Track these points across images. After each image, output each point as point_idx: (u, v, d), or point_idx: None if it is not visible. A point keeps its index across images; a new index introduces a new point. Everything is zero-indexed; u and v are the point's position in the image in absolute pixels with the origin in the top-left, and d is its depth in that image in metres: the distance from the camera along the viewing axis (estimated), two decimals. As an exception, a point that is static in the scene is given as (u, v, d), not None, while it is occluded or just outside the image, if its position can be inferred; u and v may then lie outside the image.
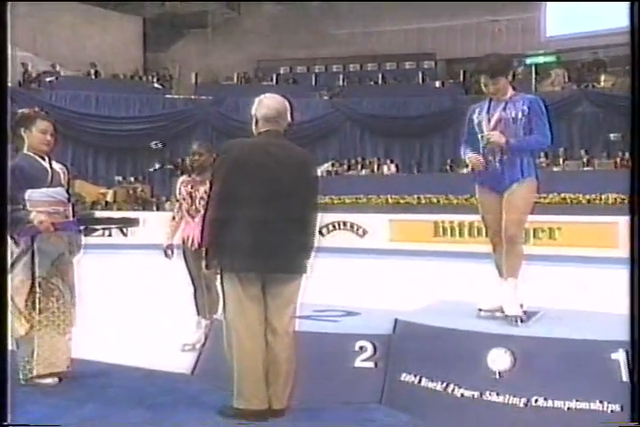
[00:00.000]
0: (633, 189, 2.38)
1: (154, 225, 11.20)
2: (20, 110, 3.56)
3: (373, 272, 9.78)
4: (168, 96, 18.94)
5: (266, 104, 2.91)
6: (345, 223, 12.68)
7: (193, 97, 18.93)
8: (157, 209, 15.71)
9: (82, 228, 3.62)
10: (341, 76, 19.77)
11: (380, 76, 19.61)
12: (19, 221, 3.27)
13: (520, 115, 3.16)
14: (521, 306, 3.19)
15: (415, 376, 3.00)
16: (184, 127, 18.32)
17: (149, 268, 10.01)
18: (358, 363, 3.17)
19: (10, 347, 3.33)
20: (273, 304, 2.87)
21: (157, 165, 17.32)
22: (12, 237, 3.32)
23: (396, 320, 3.26)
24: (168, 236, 4.32)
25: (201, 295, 4.26)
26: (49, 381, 3.32)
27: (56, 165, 3.53)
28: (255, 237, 2.75)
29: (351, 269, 8.62)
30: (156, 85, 19.37)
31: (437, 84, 18.80)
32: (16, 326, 3.30)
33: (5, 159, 2.58)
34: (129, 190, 16.53)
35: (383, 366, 3.16)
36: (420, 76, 19.34)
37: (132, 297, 6.62)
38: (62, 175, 3.53)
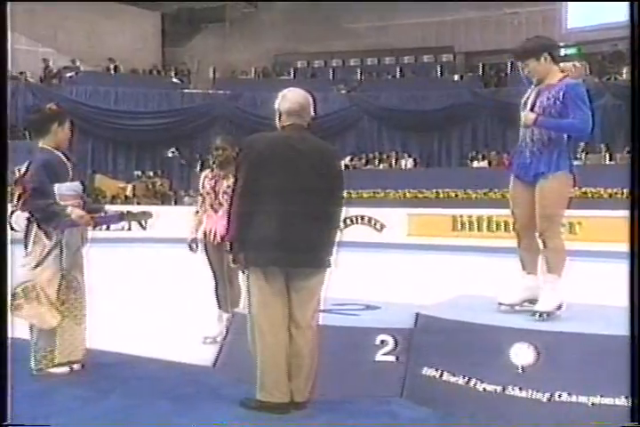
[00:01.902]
0: (633, 184, 2.43)
1: (172, 219, 11.39)
2: (48, 105, 3.58)
3: (391, 267, 9.76)
4: (186, 91, 19.03)
5: (289, 98, 2.91)
6: (363, 218, 12.67)
7: (211, 92, 19.01)
8: (176, 203, 15.83)
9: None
10: (359, 70, 19.71)
11: (398, 69, 19.52)
12: (55, 215, 3.31)
13: (555, 101, 3.07)
14: (560, 306, 3.09)
15: (437, 370, 2.99)
16: (202, 122, 18.41)
17: (169, 261, 10.11)
18: (379, 357, 3.17)
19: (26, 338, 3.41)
20: (296, 298, 2.89)
21: (173, 151, 17.40)
22: (42, 230, 3.36)
23: (417, 314, 3.25)
24: (192, 230, 4.34)
25: (222, 289, 4.28)
26: (61, 370, 3.37)
27: (70, 160, 3.57)
28: (279, 231, 2.77)
29: (369, 264, 8.62)
30: (174, 80, 19.48)
31: (456, 77, 18.66)
32: (47, 318, 3.35)
33: (5, 158, 2.63)
34: (148, 185, 16.66)
35: (404, 360, 3.16)
36: (439, 69, 19.20)
37: (152, 290, 6.68)
38: (74, 170, 3.57)
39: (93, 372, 3.44)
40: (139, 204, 14.72)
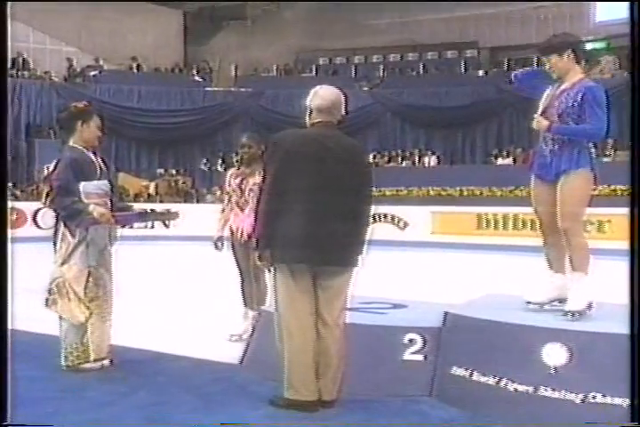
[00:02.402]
0: (633, 180, 2.43)
1: (195, 217, 11.50)
2: (74, 104, 3.62)
3: (415, 265, 9.73)
4: (208, 89, 19.16)
5: (321, 95, 2.91)
6: (386, 216, 12.64)
7: (232, 89, 19.10)
8: (198, 201, 15.94)
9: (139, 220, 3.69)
10: (381, 67, 19.65)
11: (421, 65, 19.41)
12: (78, 213, 3.36)
13: (573, 104, 3.06)
14: (590, 304, 3.07)
15: (466, 370, 2.97)
16: (224, 120, 18.53)
17: (193, 259, 10.21)
18: (407, 356, 3.16)
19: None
20: (323, 296, 2.89)
21: (205, 163, 17.51)
22: (67, 228, 3.42)
23: (445, 313, 3.23)
24: (218, 228, 4.37)
25: (248, 287, 4.30)
26: (92, 366, 3.42)
27: (99, 159, 3.61)
28: (307, 229, 2.77)
29: (393, 262, 8.59)
30: (196, 78, 19.61)
31: (480, 73, 18.49)
32: (76, 314, 3.41)
33: (5, 158, 2.67)
34: (170, 183, 16.81)
35: (433, 359, 3.14)
36: (463, 65, 19.04)
37: (177, 288, 6.75)
38: (105, 168, 3.61)
39: (122, 368, 3.49)
40: (161, 202, 14.86)
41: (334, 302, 2.91)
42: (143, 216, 3.64)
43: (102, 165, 3.58)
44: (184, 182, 16.94)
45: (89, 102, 3.77)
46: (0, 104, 2.71)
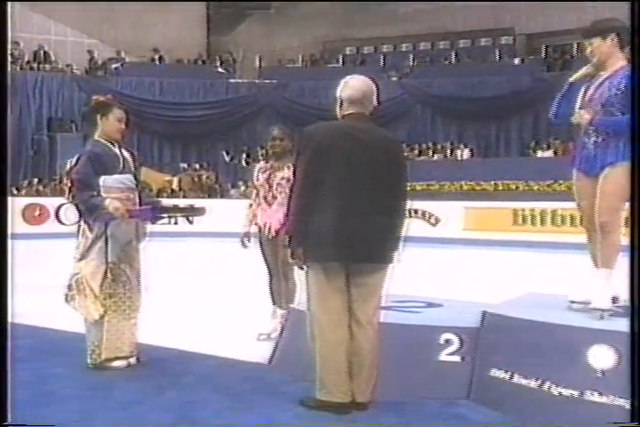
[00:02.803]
0: (633, 175, 2.41)
1: (219, 213, 11.57)
2: (95, 97, 3.68)
3: (447, 263, 9.67)
4: (232, 81, 19.27)
5: (351, 85, 2.89)
6: (416, 211, 12.56)
7: (257, 81, 19.18)
8: (222, 197, 16.06)
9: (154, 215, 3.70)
10: (411, 56, 19.50)
11: (453, 54, 19.21)
12: (94, 208, 3.41)
13: (616, 92, 3.00)
14: (615, 299, 3.04)
15: (506, 372, 2.94)
16: (248, 113, 18.61)
17: (218, 255, 10.30)
18: (444, 356, 3.13)
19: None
20: (357, 294, 2.88)
21: (226, 155, 17.61)
22: (86, 223, 3.48)
23: (483, 312, 3.20)
24: (245, 223, 4.38)
25: (277, 284, 4.32)
26: (117, 364, 3.46)
27: (125, 152, 3.65)
28: (340, 225, 2.76)
29: (424, 260, 8.54)
30: (219, 70, 19.72)
31: (516, 61, 18.21)
32: (91, 311, 3.47)
33: (5, 158, 2.71)
34: (194, 178, 16.96)
35: (470, 361, 3.11)
36: (497, 53, 18.77)
37: (202, 285, 6.81)
38: (131, 162, 3.65)
39: (149, 367, 3.53)
40: (185, 197, 15.01)
41: (368, 301, 2.89)
42: (159, 211, 3.59)
43: (128, 159, 3.61)
44: (208, 177, 17.06)
45: (112, 95, 3.81)
46: (0, 104, 2.76)
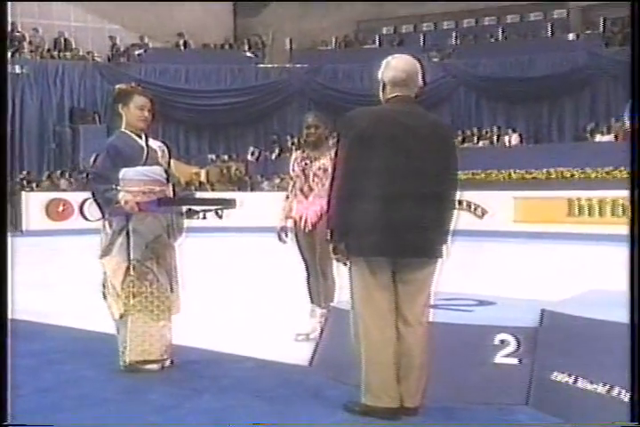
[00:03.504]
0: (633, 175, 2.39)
1: (250, 207, 11.64)
2: (117, 86, 3.71)
3: (496, 257, 9.56)
4: (261, 66, 19.33)
5: (394, 66, 2.86)
6: (460, 202, 12.41)
7: (287, 66, 19.20)
8: (252, 189, 16.15)
9: (184, 210, 3.72)
10: (453, 34, 19.26)
11: (500, 31, 18.88)
12: (109, 201, 3.45)
13: None
14: None
15: (569, 376, 2.88)
16: (278, 99, 18.67)
17: (250, 252, 10.38)
18: (499, 359, 3.09)
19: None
20: (404, 292, 2.85)
21: (255, 151, 17.68)
22: (105, 218, 3.52)
23: (542, 311, 3.14)
24: (281, 217, 4.38)
25: (315, 282, 4.31)
26: (150, 367, 3.49)
27: (154, 143, 3.66)
28: (386, 217, 2.73)
29: (471, 254, 8.45)
30: (247, 54, 19.81)
31: (571, 36, 17.78)
32: (113, 310, 3.51)
33: (5, 158, 2.75)
34: (222, 170, 17.07)
35: (529, 363, 3.06)
36: (549, 28, 18.35)
37: (236, 283, 6.86)
38: (160, 153, 3.65)
39: (184, 369, 3.57)
40: (213, 190, 15.14)
41: (417, 298, 2.87)
42: (166, 202, 3.54)
43: (156, 150, 3.62)
44: (237, 169, 17.14)
45: (137, 83, 3.83)
46: (0, 103, 2.82)
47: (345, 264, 2.89)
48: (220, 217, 13.28)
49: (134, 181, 3.49)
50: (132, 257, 3.47)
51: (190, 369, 3.58)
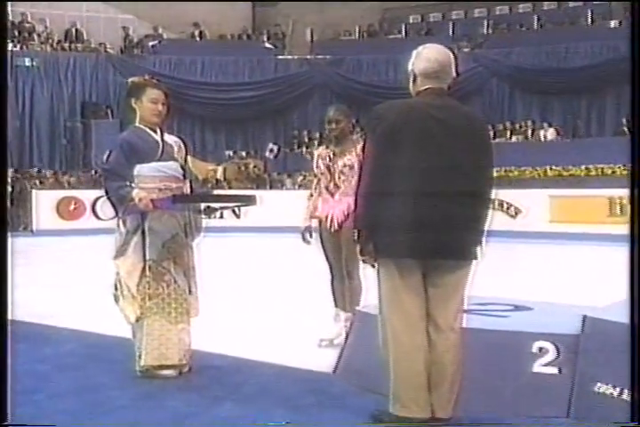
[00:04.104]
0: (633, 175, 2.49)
1: (269, 205, 11.68)
2: (130, 79, 3.74)
3: (532, 260, 9.47)
4: (280, 57, 19.38)
5: (425, 56, 2.84)
6: (492, 201, 12.36)
7: (309, 57, 19.22)
8: (271, 187, 16.21)
9: (202, 208, 3.73)
10: (485, 23, 19.14)
11: (535, 19, 18.69)
12: (122, 199, 3.47)
13: None
14: None
15: (614, 387, 2.84)
16: (299, 93, 18.70)
17: (270, 253, 10.42)
18: (537, 368, 3.07)
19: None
20: (436, 295, 2.83)
21: (274, 147, 17.68)
22: (120, 217, 3.53)
23: (584, 317, 3.11)
24: (305, 216, 4.39)
25: (340, 284, 4.31)
26: (166, 372, 3.50)
27: (169, 138, 3.68)
28: (417, 216, 2.71)
29: (504, 257, 8.39)
30: (266, 45, 19.87)
31: (612, 23, 17.52)
32: (128, 312, 3.53)
33: (5, 157, 2.77)
34: (240, 166, 17.12)
35: (569, 373, 3.03)
36: (589, 15, 18.13)
37: (256, 286, 6.89)
38: (176, 149, 3.67)
39: (203, 376, 3.59)
40: (230, 188, 15.21)
41: (449, 303, 2.85)
42: (180, 200, 3.55)
43: (171, 145, 3.64)
44: (255, 166, 17.17)
45: (151, 76, 3.85)
46: (0, 102, 2.86)
47: (373, 266, 2.88)
48: (238, 216, 13.35)
49: (149, 178, 3.52)
50: (147, 257, 3.49)
51: (209, 375, 3.60)
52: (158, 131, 3.64)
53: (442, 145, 2.76)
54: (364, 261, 2.93)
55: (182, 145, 3.74)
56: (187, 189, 3.64)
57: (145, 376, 3.51)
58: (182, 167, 3.67)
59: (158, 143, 3.59)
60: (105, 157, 3.58)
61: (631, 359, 2.38)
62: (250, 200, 3.82)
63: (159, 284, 3.50)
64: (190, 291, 3.63)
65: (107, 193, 3.59)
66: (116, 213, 3.57)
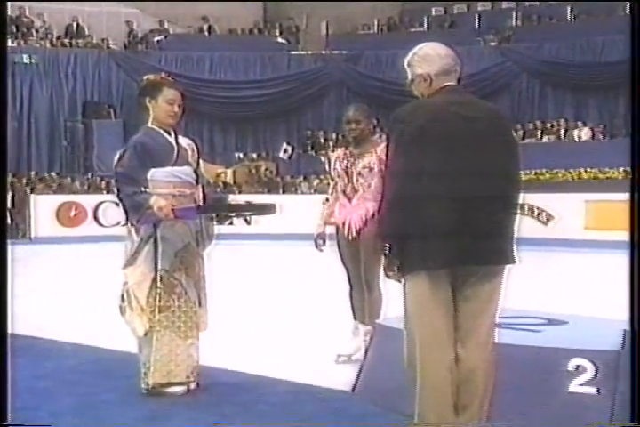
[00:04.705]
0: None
1: (282, 211, 11.65)
2: (145, 77, 3.75)
3: (566, 270, 9.42)
4: (294, 53, 19.45)
5: (435, 55, 2.85)
6: (522, 206, 12.28)
7: (324, 52, 19.27)
8: (284, 192, 16.23)
9: (213, 215, 3.74)
10: (513, 14, 19.06)
11: (568, 10, 18.61)
12: (138, 206, 3.47)
13: None
14: None
15: (658, 408, 2.81)
16: (313, 91, 18.76)
17: (283, 262, 10.43)
18: (574, 387, 3.05)
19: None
20: (467, 309, 2.82)
21: (287, 148, 17.73)
22: (132, 224, 3.55)
23: (624, 332, 3.08)
24: (319, 222, 4.40)
25: (359, 295, 4.30)
26: (174, 390, 3.51)
27: (183, 141, 3.69)
28: (451, 223, 2.71)
29: (535, 266, 8.34)
30: (279, 40, 19.95)
31: (651, 15, 17.44)
32: (136, 326, 3.53)
33: (5, 157, 2.80)
34: (251, 169, 17.17)
35: (609, 393, 3.01)
36: (628, 5, 18.03)
37: (269, 298, 6.90)
38: (190, 152, 3.69)
39: (213, 393, 3.60)
40: (240, 192, 15.25)
41: (481, 315, 2.83)
42: (206, 209, 3.58)
43: (186, 149, 3.65)
44: (267, 169, 17.20)
45: (167, 74, 3.87)
46: (0, 102, 2.92)
47: (399, 282, 2.85)
48: (249, 223, 13.36)
49: (164, 183, 3.53)
50: (159, 267, 3.50)
51: (219, 393, 3.61)
52: (172, 133, 3.65)
53: (470, 145, 2.75)
54: (387, 277, 2.90)
55: (195, 148, 3.75)
56: (199, 195, 3.64)
57: (151, 394, 3.52)
58: (195, 172, 3.68)
59: (173, 146, 3.61)
60: (116, 159, 3.57)
61: (631, 360, 2.37)
62: (271, 209, 3.82)
63: (170, 296, 3.51)
64: (200, 303, 3.64)
65: (119, 198, 3.57)
66: (128, 221, 3.57)
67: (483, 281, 2.81)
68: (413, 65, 2.89)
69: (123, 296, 3.60)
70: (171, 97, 3.61)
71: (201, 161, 3.87)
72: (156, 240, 3.51)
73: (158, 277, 3.50)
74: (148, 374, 3.51)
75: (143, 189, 3.49)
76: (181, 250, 3.55)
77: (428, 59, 2.87)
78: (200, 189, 3.67)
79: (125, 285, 3.58)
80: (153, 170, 3.53)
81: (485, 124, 2.80)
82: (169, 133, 3.64)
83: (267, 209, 3.84)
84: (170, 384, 3.51)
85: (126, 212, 3.57)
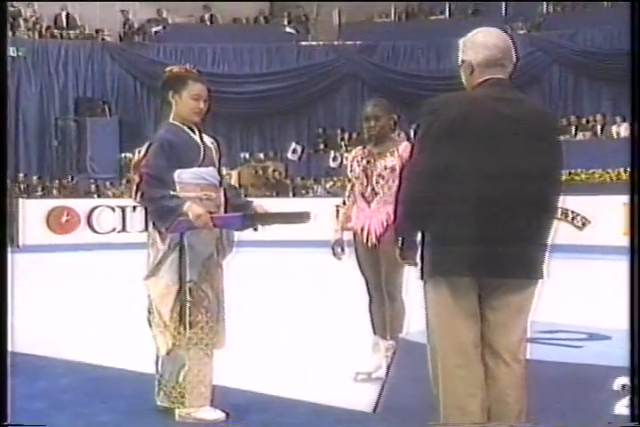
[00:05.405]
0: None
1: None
2: (168, 68, 3.68)
3: (604, 279, 9.35)
4: (304, 44, 19.49)
5: (482, 43, 2.83)
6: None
7: (336, 43, 19.30)
8: (294, 195, 16.27)
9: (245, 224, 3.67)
10: (544, 1, 19.03)
11: (603, -5, 18.61)
12: (169, 212, 3.36)
13: None
14: None
15: None
16: (325, 85, 18.80)
17: (295, 271, 10.43)
18: (620, 409, 3.03)
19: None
20: (495, 321, 2.81)
21: (297, 147, 17.72)
22: (157, 231, 3.47)
23: (673, 347, 3.07)
24: (336, 228, 4.40)
25: (379, 307, 4.30)
26: (215, 417, 3.45)
27: (207, 139, 3.64)
28: (477, 228, 2.71)
29: (570, 274, 8.32)
30: (287, 30, 19.99)
31: (696, -1, 17.41)
32: (159, 342, 3.49)
33: (5, 157, 2.82)
34: (257, 170, 17.28)
35: (657, 415, 2.99)
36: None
37: (280, 310, 6.91)
38: (214, 152, 3.64)
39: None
40: (246, 195, 15.29)
41: (511, 329, 2.83)
42: (251, 219, 3.57)
43: (211, 148, 3.61)
44: (275, 170, 17.32)
45: (193, 66, 3.84)
46: (0, 101, 2.96)
47: (414, 265, 2.88)
48: (256, 229, 13.38)
49: (191, 186, 3.47)
50: (187, 278, 3.44)
51: (231, 414, 3.58)
52: (197, 131, 3.60)
53: (508, 145, 2.75)
54: (406, 264, 2.97)
55: (217, 146, 3.69)
56: (221, 199, 3.60)
57: (183, 419, 3.44)
58: (219, 173, 3.65)
59: (199, 146, 3.55)
60: (140, 156, 3.50)
61: (631, 361, 2.42)
62: (304, 217, 3.78)
63: (199, 310, 3.47)
64: (219, 319, 3.58)
65: (145, 202, 3.51)
66: (153, 226, 3.51)
67: (512, 291, 2.81)
68: (461, 50, 2.89)
69: (149, 309, 3.54)
70: (196, 92, 3.53)
71: None
72: (182, 248, 3.45)
73: (187, 290, 3.45)
74: (184, 401, 3.45)
75: (172, 192, 3.41)
76: (206, 259, 3.50)
77: (474, 46, 2.85)
78: (222, 192, 3.62)
79: (150, 297, 3.53)
80: (179, 171, 3.46)
81: (526, 124, 2.78)
82: (193, 131, 3.58)
83: (304, 217, 3.80)
84: (201, 409, 3.46)
85: (152, 217, 3.51)
